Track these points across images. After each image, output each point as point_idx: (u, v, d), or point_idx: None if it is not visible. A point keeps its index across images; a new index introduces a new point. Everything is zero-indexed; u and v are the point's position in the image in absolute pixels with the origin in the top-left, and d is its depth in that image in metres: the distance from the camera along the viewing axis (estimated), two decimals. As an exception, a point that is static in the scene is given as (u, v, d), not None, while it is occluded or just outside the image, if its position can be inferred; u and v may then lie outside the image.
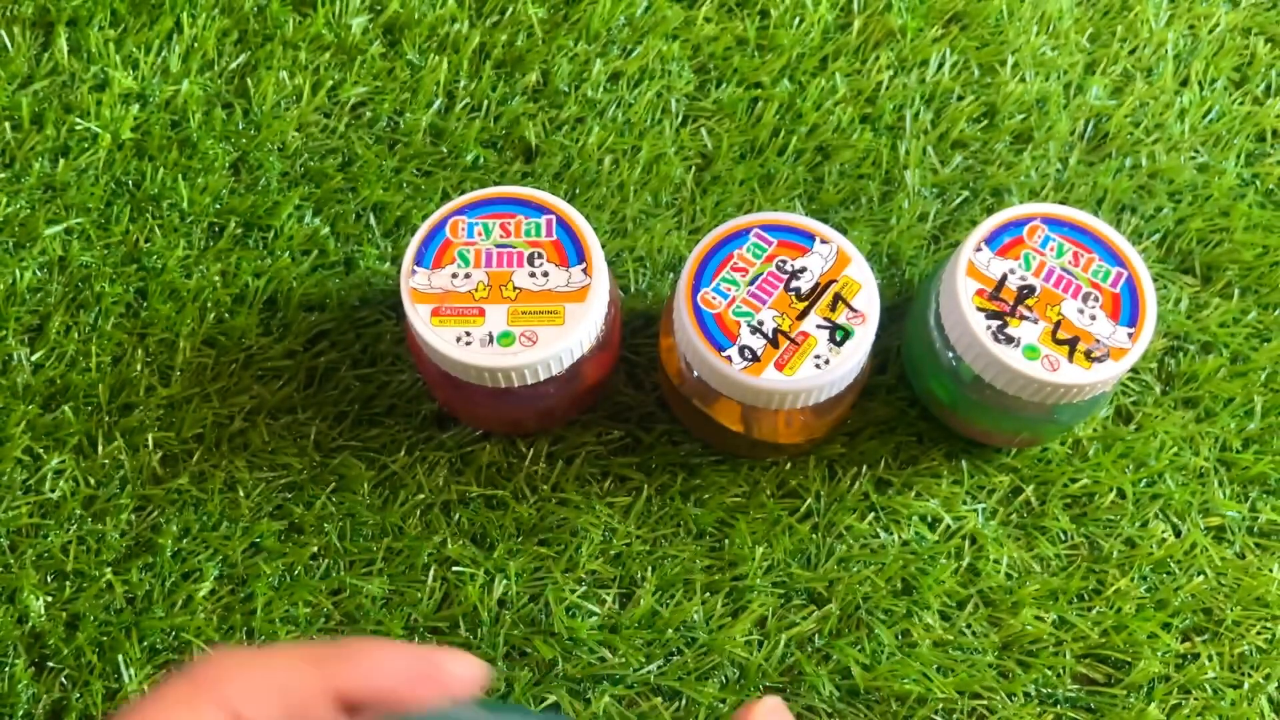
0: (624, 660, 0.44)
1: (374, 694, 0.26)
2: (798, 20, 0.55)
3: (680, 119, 0.53)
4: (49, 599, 0.44)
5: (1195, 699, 0.44)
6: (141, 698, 0.25)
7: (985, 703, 0.43)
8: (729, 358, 0.41)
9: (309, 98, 0.52)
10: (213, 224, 0.50)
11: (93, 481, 0.46)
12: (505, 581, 0.45)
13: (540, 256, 0.42)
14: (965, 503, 0.46)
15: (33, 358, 0.48)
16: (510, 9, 0.54)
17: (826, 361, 0.41)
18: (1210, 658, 0.44)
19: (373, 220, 0.50)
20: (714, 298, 0.42)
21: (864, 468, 0.47)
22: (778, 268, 0.43)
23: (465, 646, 0.44)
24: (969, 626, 0.45)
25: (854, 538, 0.46)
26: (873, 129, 0.52)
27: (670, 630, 0.44)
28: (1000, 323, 0.42)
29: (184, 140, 0.51)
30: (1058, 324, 0.42)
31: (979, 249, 0.43)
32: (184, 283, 0.49)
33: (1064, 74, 0.54)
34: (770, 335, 0.42)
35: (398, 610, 0.44)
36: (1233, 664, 0.44)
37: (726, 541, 0.46)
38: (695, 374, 0.43)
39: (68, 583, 0.45)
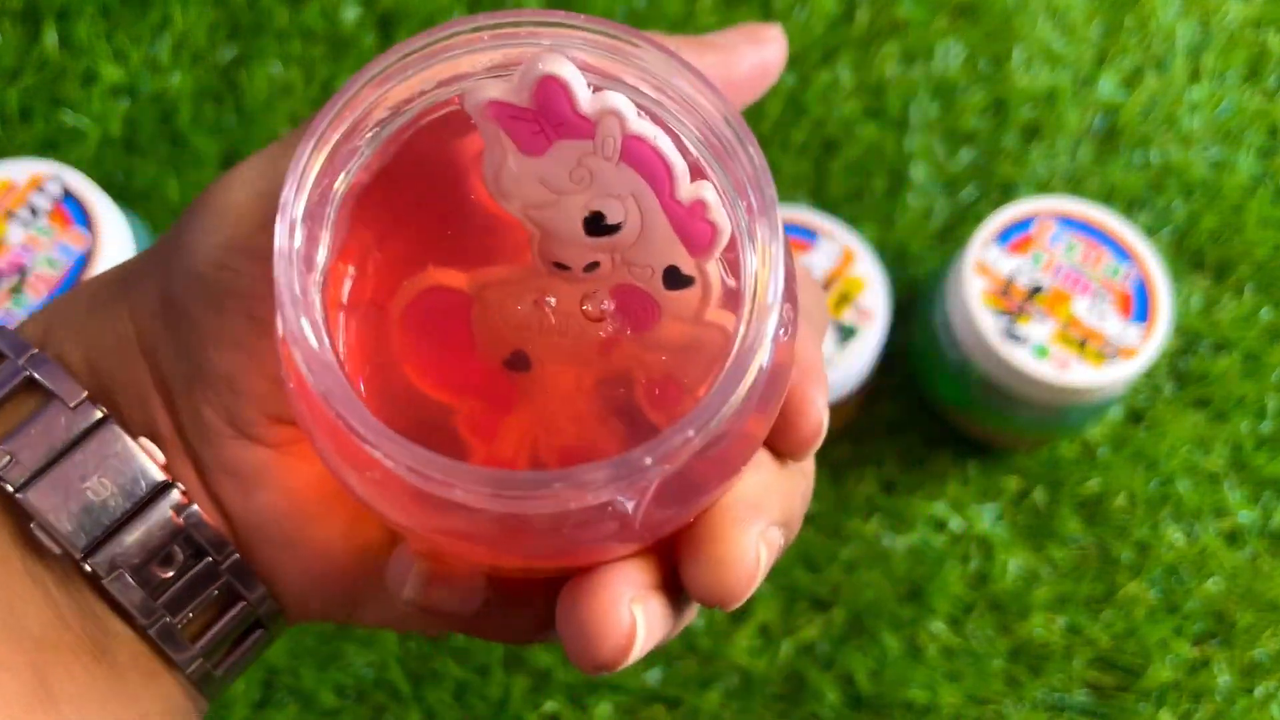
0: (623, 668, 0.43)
1: None
2: (800, 11, 0.53)
3: (681, 113, 0.52)
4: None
5: (1206, 706, 0.43)
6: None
7: (994, 709, 0.43)
8: (732, 358, 0.40)
9: (301, 90, 0.51)
10: (204, 220, 0.49)
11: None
12: (503, 586, 0.44)
13: None
14: (973, 504, 0.45)
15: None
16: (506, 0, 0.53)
17: (831, 361, 0.40)
18: (1222, 664, 0.44)
19: (367, 216, 0.49)
20: (716, 296, 0.41)
21: (870, 469, 0.46)
22: (782, 265, 0.42)
23: (462, 653, 0.43)
24: (977, 632, 0.44)
25: (860, 541, 0.45)
26: (879, 122, 0.51)
27: (671, 636, 0.43)
28: (1009, 321, 0.41)
29: (174, 134, 0.50)
30: (1068, 323, 0.41)
31: (987, 246, 0.43)
32: (174, 280, 0.48)
33: (1074, 66, 0.53)
34: (774, 335, 0.41)
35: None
36: (1245, 670, 0.44)
37: (729, 545, 0.45)
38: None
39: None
